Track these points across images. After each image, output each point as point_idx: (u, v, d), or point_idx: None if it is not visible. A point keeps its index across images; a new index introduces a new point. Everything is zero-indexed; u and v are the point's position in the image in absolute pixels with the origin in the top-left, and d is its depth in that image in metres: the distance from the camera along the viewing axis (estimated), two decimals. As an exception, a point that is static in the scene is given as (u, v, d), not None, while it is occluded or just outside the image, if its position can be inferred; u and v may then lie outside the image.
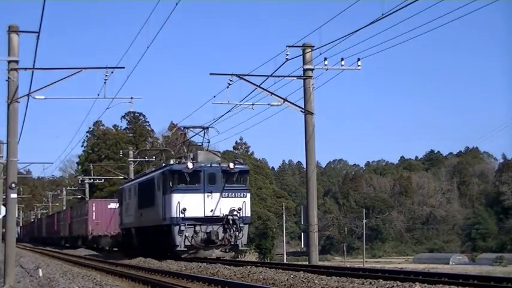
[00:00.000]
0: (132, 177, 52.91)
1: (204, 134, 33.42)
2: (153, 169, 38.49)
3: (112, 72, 25.72)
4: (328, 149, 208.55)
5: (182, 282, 21.68)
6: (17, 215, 37.05)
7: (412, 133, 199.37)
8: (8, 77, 24.50)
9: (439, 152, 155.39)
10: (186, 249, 30.75)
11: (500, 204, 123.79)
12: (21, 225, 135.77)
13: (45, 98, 26.40)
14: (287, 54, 28.56)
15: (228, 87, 28.93)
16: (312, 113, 29.94)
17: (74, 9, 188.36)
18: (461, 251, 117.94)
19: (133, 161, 62.37)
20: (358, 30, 24.07)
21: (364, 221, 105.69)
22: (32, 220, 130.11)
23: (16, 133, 24.92)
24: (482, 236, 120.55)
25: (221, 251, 31.15)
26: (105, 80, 25.83)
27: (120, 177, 67.39)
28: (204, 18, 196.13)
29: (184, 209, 30.54)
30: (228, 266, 24.67)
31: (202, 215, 30.78)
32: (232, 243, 30.94)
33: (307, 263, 30.61)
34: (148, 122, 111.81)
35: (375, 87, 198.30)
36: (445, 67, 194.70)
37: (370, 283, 17.15)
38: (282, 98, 29.78)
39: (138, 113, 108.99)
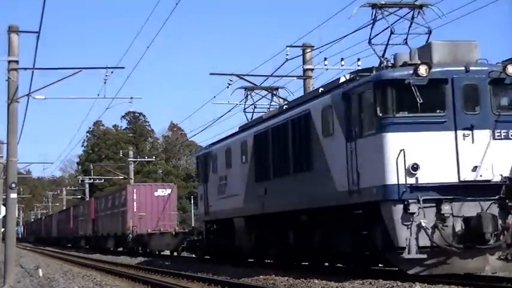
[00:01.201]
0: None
1: (413, 16, 16.81)
2: (285, 107, 21.70)
3: (112, 72, 25.69)
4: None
5: (182, 282, 21.69)
6: (17, 215, 37.01)
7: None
8: (8, 77, 24.48)
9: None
10: (423, 256, 15.01)
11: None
12: (22, 224, 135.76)
13: (45, 98, 26.41)
14: (287, 54, 28.57)
15: (228, 87, 28.87)
16: (312, 113, 29.88)
17: (73, 9, 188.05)
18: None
19: (134, 161, 62.34)
20: (358, 30, 24.07)
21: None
22: (33, 220, 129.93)
23: (16, 133, 24.89)
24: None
25: (500, 258, 15.29)
26: (105, 80, 25.84)
27: (120, 177, 67.36)
28: (204, 18, 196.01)
29: (416, 167, 14.85)
30: (228, 266, 24.64)
31: (456, 180, 15.02)
32: None
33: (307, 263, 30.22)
34: (148, 122, 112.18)
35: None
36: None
37: (370, 283, 17.11)
38: (282, 98, 29.78)
39: (138, 113, 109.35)
